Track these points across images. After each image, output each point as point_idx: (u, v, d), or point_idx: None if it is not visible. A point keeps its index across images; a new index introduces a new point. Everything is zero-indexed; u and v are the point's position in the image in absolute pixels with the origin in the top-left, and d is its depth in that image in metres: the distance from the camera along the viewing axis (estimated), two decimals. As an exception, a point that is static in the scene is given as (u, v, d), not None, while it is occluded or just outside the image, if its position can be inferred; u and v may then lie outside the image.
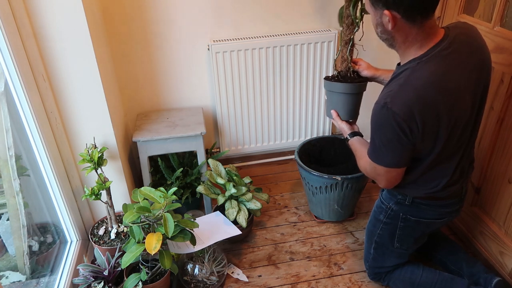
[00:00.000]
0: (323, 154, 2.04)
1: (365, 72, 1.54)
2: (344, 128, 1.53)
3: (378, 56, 2.10)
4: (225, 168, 1.85)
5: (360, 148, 1.42)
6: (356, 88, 1.52)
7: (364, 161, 1.35)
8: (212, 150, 2.20)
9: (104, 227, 1.71)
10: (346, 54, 1.52)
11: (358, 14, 1.44)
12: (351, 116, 1.56)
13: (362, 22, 1.46)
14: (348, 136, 1.50)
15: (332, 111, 1.56)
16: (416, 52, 1.15)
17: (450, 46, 1.13)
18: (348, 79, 1.53)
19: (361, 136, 1.50)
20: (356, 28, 1.47)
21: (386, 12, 1.09)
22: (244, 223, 1.69)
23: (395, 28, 1.11)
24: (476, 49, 1.17)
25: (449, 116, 1.14)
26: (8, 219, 1.44)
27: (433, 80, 1.11)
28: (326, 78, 1.59)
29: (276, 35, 2.03)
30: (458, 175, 1.29)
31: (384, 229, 1.46)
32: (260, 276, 1.69)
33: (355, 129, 1.53)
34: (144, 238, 1.35)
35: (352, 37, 1.49)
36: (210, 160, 1.85)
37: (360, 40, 1.54)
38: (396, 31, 1.13)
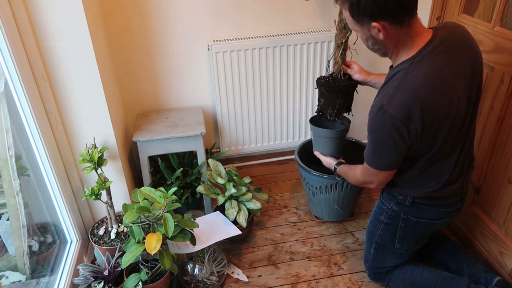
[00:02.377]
0: (323, 154, 2.04)
1: (356, 76, 1.57)
2: (329, 161, 1.67)
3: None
4: (225, 168, 1.85)
5: (346, 169, 1.54)
6: (336, 133, 1.66)
7: (352, 172, 1.46)
8: (212, 150, 2.20)
9: (104, 227, 1.71)
10: (338, 57, 1.56)
11: None
12: (334, 156, 1.70)
13: None
14: (335, 166, 1.62)
15: (316, 152, 1.75)
16: (407, 53, 1.16)
17: (440, 45, 1.13)
18: (337, 81, 1.58)
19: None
20: (349, 33, 1.51)
21: (374, 24, 1.10)
22: (244, 223, 1.69)
23: (386, 36, 1.12)
24: (467, 48, 1.18)
25: (446, 114, 1.14)
26: (8, 219, 1.44)
27: (428, 80, 1.11)
28: (312, 120, 1.74)
29: (276, 35, 2.03)
30: (457, 173, 1.30)
31: (384, 230, 1.46)
32: (260, 276, 1.69)
33: (339, 160, 1.67)
34: (144, 238, 1.35)
35: (344, 40, 1.53)
36: (210, 160, 1.85)
37: (354, 43, 1.56)
38: (387, 39, 1.13)
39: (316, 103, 2.21)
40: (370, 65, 2.07)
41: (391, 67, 1.24)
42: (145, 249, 1.31)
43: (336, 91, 1.57)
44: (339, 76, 1.60)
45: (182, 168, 1.91)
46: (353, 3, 1.10)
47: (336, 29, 1.54)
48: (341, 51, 1.55)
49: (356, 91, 1.64)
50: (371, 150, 1.25)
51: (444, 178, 1.28)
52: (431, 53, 1.13)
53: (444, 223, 1.41)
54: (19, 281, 1.46)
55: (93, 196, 1.52)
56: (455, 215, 1.42)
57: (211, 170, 1.83)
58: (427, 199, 1.34)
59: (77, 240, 1.75)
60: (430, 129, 1.15)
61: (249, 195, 1.79)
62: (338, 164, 1.62)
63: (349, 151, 1.87)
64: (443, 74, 1.13)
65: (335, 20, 1.55)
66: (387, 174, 1.29)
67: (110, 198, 1.62)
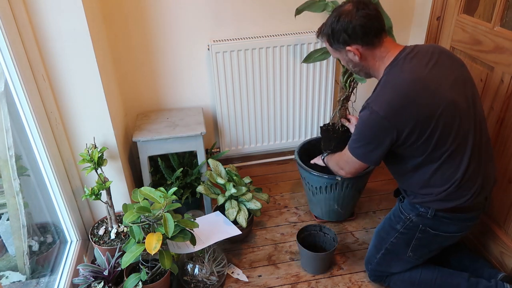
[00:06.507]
0: (323, 154, 2.05)
1: (352, 130, 1.70)
2: (319, 157, 1.74)
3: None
4: (225, 168, 1.85)
5: (330, 156, 1.61)
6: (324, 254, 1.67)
7: (334, 157, 1.54)
8: (212, 150, 2.20)
9: (104, 227, 1.71)
10: (337, 111, 1.81)
11: (347, 84, 1.74)
12: None
13: (352, 87, 1.75)
14: (324, 154, 1.70)
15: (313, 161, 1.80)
16: (385, 62, 1.28)
17: (414, 50, 1.26)
18: (332, 131, 1.81)
19: None
20: (346, 93, 1.75)
21: (348, 48, 1.27)
22: (244, 223, 1.69)
23: (362, 57, 1.28)
24: (440, 51, 1.28)
25: (436, 106, 1.18)
26: (8, 219, 1.44)
27: (410, 76, 1.21)
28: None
29: (276, 35, 2.03)
30: (472, 171, 1.27)
31: (399, 238, 1.45)
32: (260, 276, 1.69)
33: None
34: (144, 238, 1.35)
35: (341, 99, 1.77)
36: (210, 160, 1.85)
37: (355, 101, 1.80)
38: (363, 59, 1.29)
39: (316, 102, 2.23)
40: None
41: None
42: (145, 249, 1.31)
43: (329, 139, 1.80)
44: (337, 127, 1.81)
45: (182, 168, 1.91)
46: (329, 34, 1.29)
47: (338, 87, 1.77)
48: (339, 106, 1.78)
49: None
50: (354, 140, 1.34)
51: (458, 178, 1.26)
52: (406, 57, 1.24)
53: (461, 235, 1.41)
54: (19, 281, 1.46)
55: (93, 196, 1.52)
56: (472, 227, 1.41)
57: (211, 170, 1.83)
58: (450, 212, 1.32)
59: (77, 240, 1.75)
60: (424, 122, 1.19)
61: (249, 195, 1.79)
62: (326, 154, 1.70)
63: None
64: (422, 69, 1.21)
65: (335, 80, 1.93)
66: (359, 166, 1.36)
67: (110, 198, 1.62)
